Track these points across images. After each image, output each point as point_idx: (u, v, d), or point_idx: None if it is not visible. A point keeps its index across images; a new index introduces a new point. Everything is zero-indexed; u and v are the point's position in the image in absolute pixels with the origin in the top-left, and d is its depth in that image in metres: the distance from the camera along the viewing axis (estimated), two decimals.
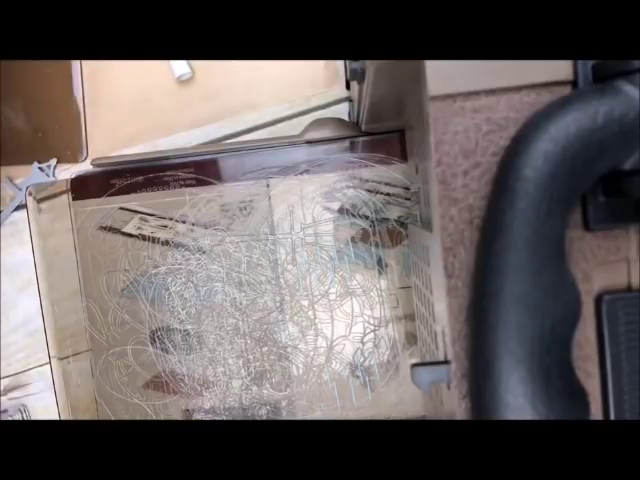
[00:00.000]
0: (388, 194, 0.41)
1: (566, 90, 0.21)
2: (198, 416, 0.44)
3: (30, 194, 0.42)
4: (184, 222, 0.43)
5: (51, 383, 0.43)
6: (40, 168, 0.47)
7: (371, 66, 0.26)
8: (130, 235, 0.43)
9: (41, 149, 0.47)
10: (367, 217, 0.42)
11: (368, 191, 0.42)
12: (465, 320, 0.22)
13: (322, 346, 0.43)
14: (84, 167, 0.47)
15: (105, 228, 0.43)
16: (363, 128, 0.40)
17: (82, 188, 0.43)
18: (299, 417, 0.43)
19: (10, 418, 0.47)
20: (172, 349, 0.44)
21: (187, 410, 0.44)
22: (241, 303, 0.43)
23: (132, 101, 0.47)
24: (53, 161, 0.47)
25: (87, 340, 0.44)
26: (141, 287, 0.43)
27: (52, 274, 0.43)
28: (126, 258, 0.43)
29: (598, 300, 0.22)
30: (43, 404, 0.48)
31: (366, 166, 0.41)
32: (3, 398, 0.48)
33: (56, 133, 0.47)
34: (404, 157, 0.41)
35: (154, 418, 0.44)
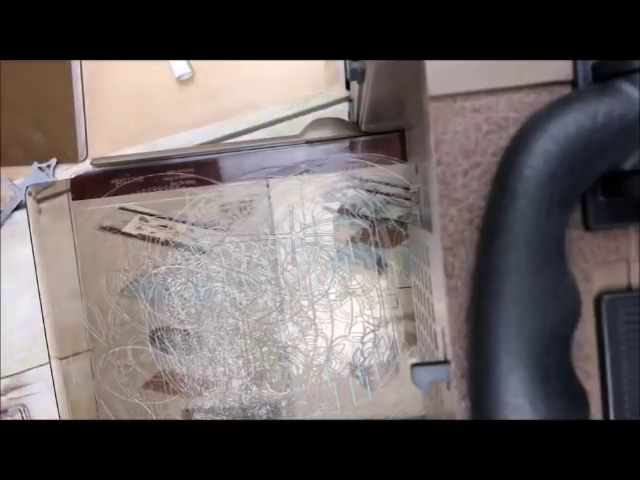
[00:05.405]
0: (388, 194, 0.41)
1: (566, 90, 0.21)
2: (198, 416, 0.44)
3: (30, 194, 0.42)
4: (184, 222, 0.43)
5: (51, 383, 0.43)
6: (40, 168, 0.47)
7: (371, 66, 0.26)
8: (130, 235, 0.43)
9: (41, 149, 0.47)
10: (367, 217, 0.42)
11: (368, 191, 0.42)
12: (465, 320, 0.21)
13: (322, 346, 0.43)
14: (84, 167, 0.47)
15: (105, 228, 0.43)
16: (363, 128, 0.40)
17: (82, 188, 0.43)
18: (299, 417, 0.43)
19: (10, 418, 0.47)
20: (172, 349, 0.44)
21: (187, 410, 0.44)
22: (241, 303, 0.43)
23: (132, 101, 0.47)
24: (53, 161, 0.47)
25: (87, 340, 0.44)
26: (141, 287, 0.43)
27: (52, 274, 0.43)
28: (126, 258, 0.43)
29: (598, 300, 0.22)
30: (43, 404, 0.48)
31: (366, 166, 0.41)
32: (3, 398, 0.48)
33: (56, 133, 0.47)
34: (404, 157, 0.41)
35: (154, 418, 0.44)
